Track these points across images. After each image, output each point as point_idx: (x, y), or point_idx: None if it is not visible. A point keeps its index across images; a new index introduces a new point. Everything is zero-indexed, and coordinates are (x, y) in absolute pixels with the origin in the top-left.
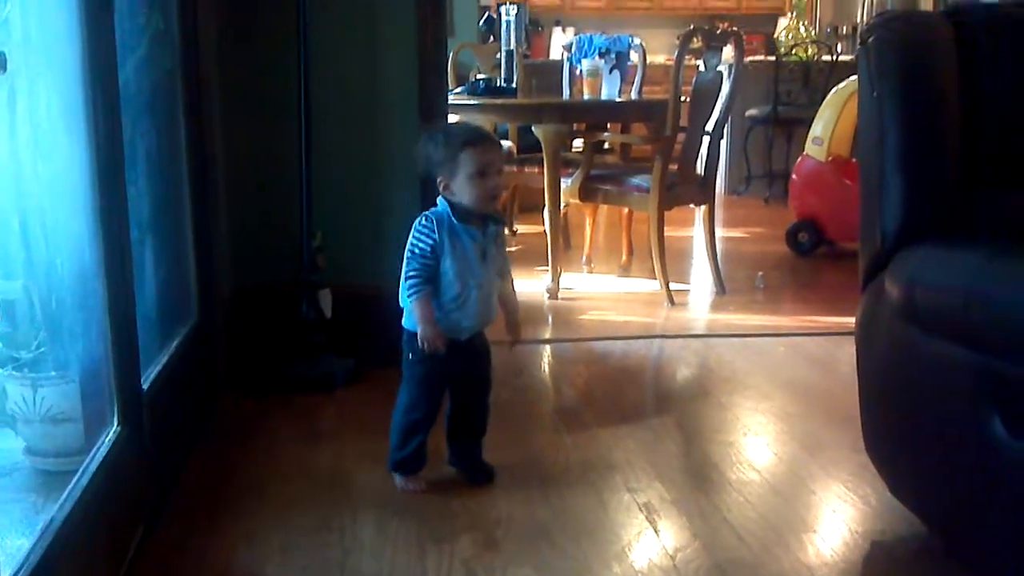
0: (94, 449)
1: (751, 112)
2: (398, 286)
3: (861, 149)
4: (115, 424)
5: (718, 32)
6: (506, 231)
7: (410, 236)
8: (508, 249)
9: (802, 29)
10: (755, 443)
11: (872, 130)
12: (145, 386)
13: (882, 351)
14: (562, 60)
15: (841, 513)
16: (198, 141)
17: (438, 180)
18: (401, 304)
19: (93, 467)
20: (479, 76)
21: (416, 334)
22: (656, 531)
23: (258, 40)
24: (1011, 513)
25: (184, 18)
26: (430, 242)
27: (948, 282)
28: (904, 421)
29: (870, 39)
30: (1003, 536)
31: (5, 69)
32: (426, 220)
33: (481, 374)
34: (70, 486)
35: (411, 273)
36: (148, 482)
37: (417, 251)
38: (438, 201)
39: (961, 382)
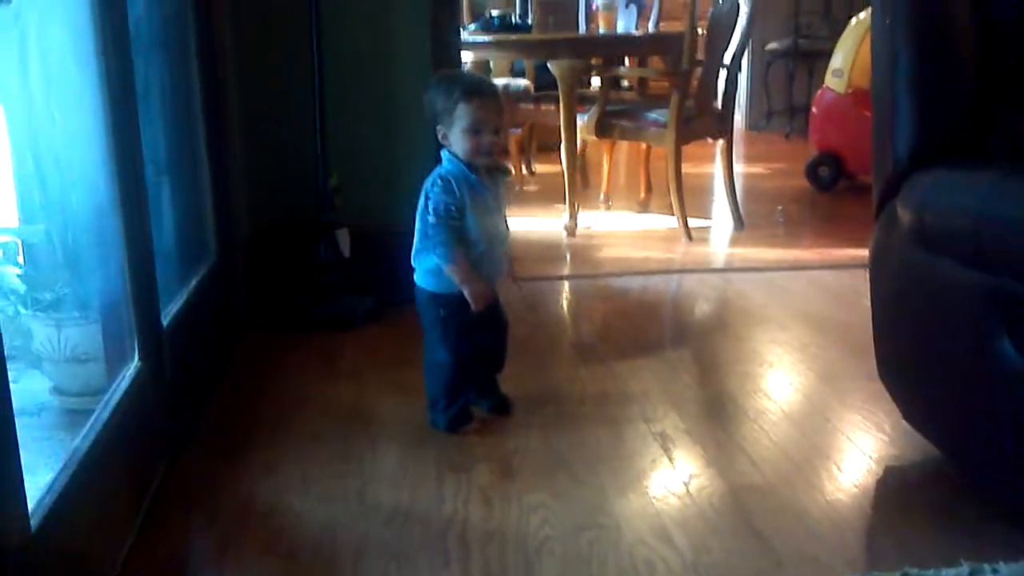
0: (115, 384)
1: (771, 46)
2: (414, 224)
3: (873, 76)
4: (136, 359)
5: None
6: (524, 171)
7: (426, 198)
8: (527, 188)
9: None
10: (771, 374)
11: (884, 56)
12: (165, 323)
13: (894, 277)
14: None
15: (855, 440)
16: (212, 82)
17: (437, 128)
18: (414, 264)
19: (114, 401)
20: (493, 12)
21: (439, 294)
22: (671, 459)
23: None
24: (1020, 435)
25: None
26: (454, 203)
27: (959, 204)
28: (916, 347)
29: None
30: (1015, 458)
31: (9, 1)
32: (443, 181)
33: (500, 313)
34: (91, 420)
35: (443, 239)
36: (170, 416)
37: (443, 214)
38: (442, 156)
39: (971, 305)
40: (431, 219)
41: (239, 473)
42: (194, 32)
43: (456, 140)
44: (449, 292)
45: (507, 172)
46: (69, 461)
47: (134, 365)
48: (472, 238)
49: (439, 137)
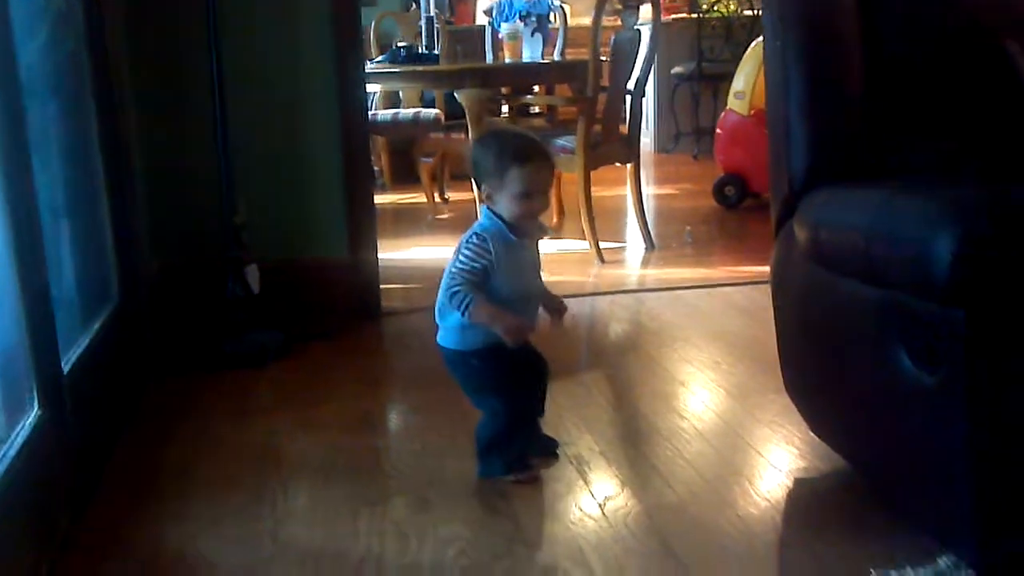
0: (13, 433)
1: (676, 70)
2: (325, 258)
3: (767, 97)
4: (35, 407)
5: None
6: (437, 199)
7: (458, 253)
8: (439, 217)
9: None
10: (684, 393)
11: (777, 78)
12: (66, 369)
13: (794, 294)
14: (485, 25)
15: (766, 455)
16: (110, 122)
17: (483, 187)
18: (439, 321)
19: (13, 452)
20: (400, 44)
21: (463, 352)
22: (586, 482)
23: (167, 16)
24: (921, 443)
25: None
26: (484, 262)
27: (850, 221)
28: (819, 361)
29: None
30: (917, 466)
31: None
32: (478, 239)
33: (538, 358)
34: None
35: (456, 287)
36: (73, 464)
37: (467, 268)
38: (480, 212)
39: (867, 319)
40: (454, 269)
41: (148, 520)
42: (90, 72)
43: (505, 203)
44: (475, 348)
45: (546, 231)
46: None
47: (34, 413)
48: (502, 295)
49: (483, 196)
